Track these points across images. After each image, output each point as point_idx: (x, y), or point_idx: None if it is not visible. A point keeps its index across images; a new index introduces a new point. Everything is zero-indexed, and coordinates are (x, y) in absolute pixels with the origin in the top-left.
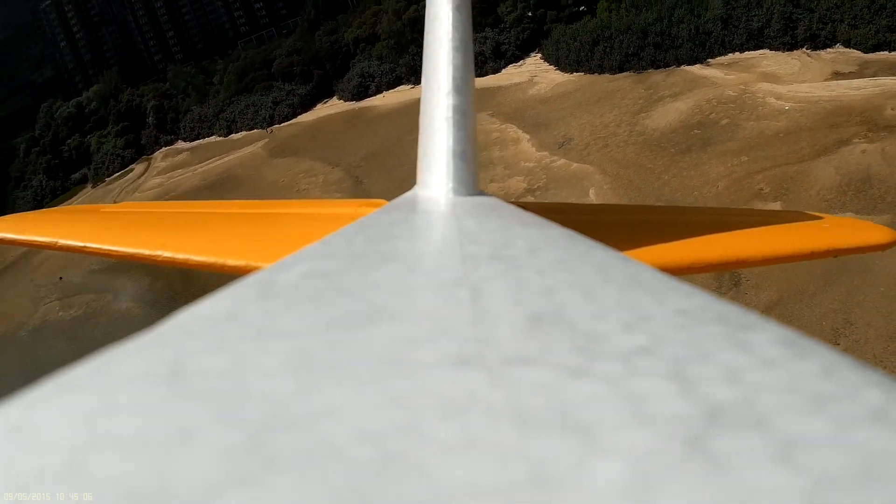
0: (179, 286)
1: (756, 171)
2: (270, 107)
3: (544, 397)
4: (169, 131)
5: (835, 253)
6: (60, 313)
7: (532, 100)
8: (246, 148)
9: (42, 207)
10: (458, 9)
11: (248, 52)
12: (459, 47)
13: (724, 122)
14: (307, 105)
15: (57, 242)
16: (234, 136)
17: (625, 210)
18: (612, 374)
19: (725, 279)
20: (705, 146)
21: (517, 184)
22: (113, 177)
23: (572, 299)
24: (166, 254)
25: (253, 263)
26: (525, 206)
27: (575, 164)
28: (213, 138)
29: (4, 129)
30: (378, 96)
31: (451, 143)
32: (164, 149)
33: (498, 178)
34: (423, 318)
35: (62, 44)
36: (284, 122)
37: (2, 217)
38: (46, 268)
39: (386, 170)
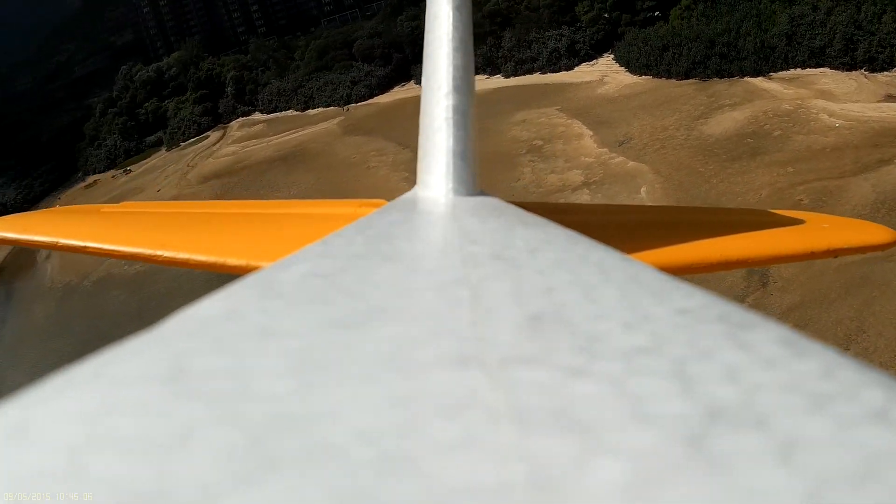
0: None
1: (798, 182)
2: (348, 86)
3: (544, 397)
4: (247, 102)
5: (835, 253)
6: (125, 267)
7: (600, 98)
8: (321, 124)
9: (115, 166)
10: (458, 9)
11: (330, 31)
12: (459, 47)
13: (776, 133)
14: (384, 87)
15: (57, 242)
16: (310, 111)
17: (625, 210)
18: (612, 374)
19: (754, 280)
20: (755, 155)
21: (575, 177)
22: (188, 142)
23: (572, 299)
24: (166, 254)
25: (253, 263)
26: (525, 206)
27: (631, 163)
28: (289, 112)
29: (81, 87)
30: None
31: (451, 142)
32: (240, 119)
33: (558, 170)
34: (423, 318)
35: (145, 9)
36: (361, 101)
37: (2, 217)
38: None
39: None
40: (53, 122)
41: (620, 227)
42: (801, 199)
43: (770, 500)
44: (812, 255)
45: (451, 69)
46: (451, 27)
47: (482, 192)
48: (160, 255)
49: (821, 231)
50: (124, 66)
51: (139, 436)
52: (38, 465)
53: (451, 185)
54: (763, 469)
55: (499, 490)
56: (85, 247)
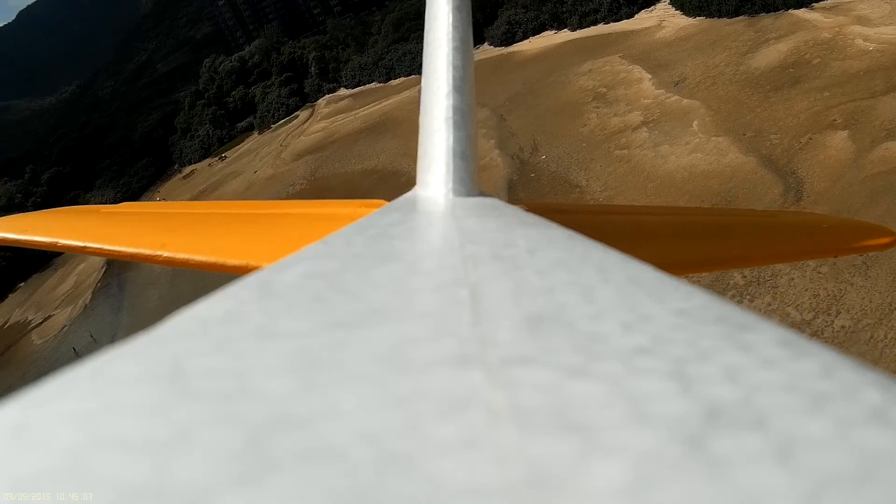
0: None
1: (833, 105)
2: None
3: (544, 397)
4: (331, 79)
5: (835, 253)
6: None
7: (658, 43)
8: (404, 92)
9: (210, 155)
10: (457, 9)
11: (403, 3)
12: (459, 47)
13: (815, 61)
14: None
15: (57, 242)
16: (392, 81)
17: (625, 210)
18: (612, 374)
19: (791, 194)
20: (795, 83)
21: (635, 117)
22: (278, 123)
23: (572, 299)
24: (166, 254)
25: (253, 263)
26: (525, 206)
27: (685, 100)
28: (373, 84)
29: (164, 84)
30: (524, 42)
31: (451, 143)
32: (327, 96)
33: (620, 113)
34: (423, 318)
35: (220, 2)
36: None
37: (2, 217)
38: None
39: (526, 108)
40: (142, 120)
41: (620, 227)
42: (835, 120)
43: (769, 500)
44: (812, 255)
45: (451, 69)
46: (450, 27)
47: (482, 193)
48: (160, 255)
49: (821, 231)
50: (207, 59)
51: (139, 436)
52: (38, 465)
53: (451, 186)
54: (762, 469)
55: (499, 490)
56: (85, 247)
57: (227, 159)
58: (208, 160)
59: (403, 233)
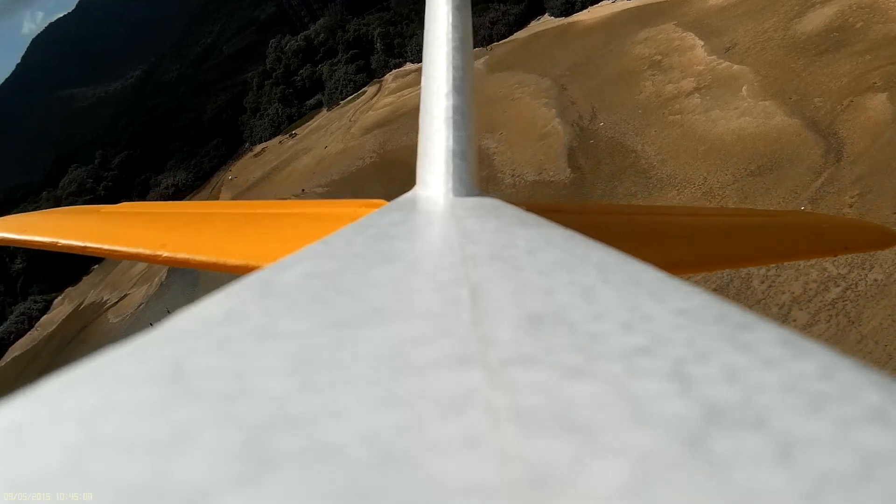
0: None
1: (874, 68)
2: (488, 26)
3: (544, 397)
4: (397, 55)
5: (835, 253)
6: None
7: (711, 10)
8: None
9: (280, 132)
10: (457, 8)
11: None
12: (459, 47)
13: (858, 25)
14: (521, 23)
15: (57, 242)
16: None
17: (625, 210)
18: (611, 374)
19: (832, 154)
20: (839, 47)
21: (688, 84)
22: (347, 99)
23: (572, 299)
24: (166, 254)
25: (253, 263)
26: (525, 206)
27: (735, 66)
28: None
29: (230, 66)
30: (584, 11)
31: (450, 143)
32: (393, 71)
33: (674, 80)
34: (423, 319)
35: None
36: (501, 39)
37: (2, 217)
38: (288, 184)
39: (587, 77)
40: (210, 101)
41: (620, 227)
42: (875, 83)
43: (769, 500)
44: (812, 255)
45: (451, 69)
46: (450, 27)
47: (482, 193)
48: (160, 255)
49: (821, 231)
50: (273, 40)
51: (139, 436)
52: (38, 465)
53: (450, 185)
54: (762, 469)
55: (499, 490)
56: (85, 247)
57: (297, 136)
58: (279, 138)
59: (403, 233)
